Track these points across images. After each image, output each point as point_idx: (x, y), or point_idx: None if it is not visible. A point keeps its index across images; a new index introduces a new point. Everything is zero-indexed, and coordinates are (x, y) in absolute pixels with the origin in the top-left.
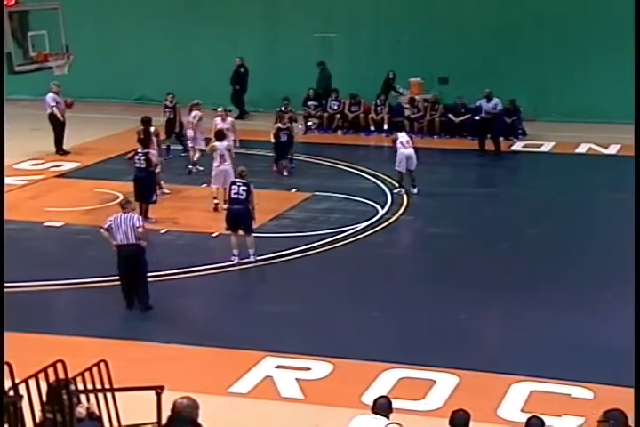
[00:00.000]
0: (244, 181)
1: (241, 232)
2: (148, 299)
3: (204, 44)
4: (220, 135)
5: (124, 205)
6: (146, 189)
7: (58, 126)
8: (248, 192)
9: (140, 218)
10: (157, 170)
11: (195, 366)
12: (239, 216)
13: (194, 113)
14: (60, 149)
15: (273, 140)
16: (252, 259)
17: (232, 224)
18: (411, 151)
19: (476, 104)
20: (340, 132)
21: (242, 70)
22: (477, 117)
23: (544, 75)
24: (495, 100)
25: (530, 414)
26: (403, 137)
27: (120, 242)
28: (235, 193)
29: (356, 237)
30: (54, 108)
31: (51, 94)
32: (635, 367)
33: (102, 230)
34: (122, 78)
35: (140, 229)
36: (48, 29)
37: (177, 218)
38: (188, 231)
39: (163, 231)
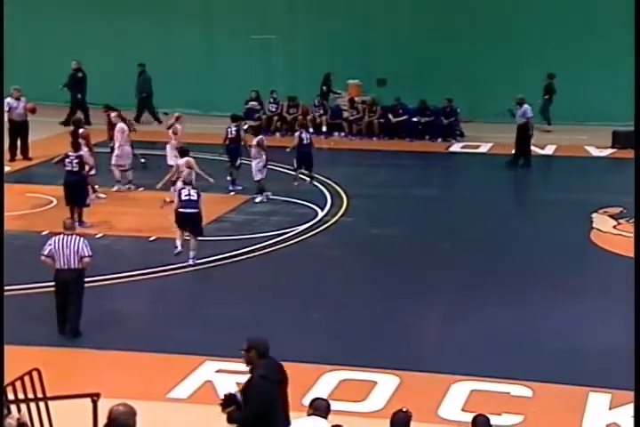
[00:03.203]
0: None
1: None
2: (78, 324)
3: (139, 46)
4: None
5: (68, 226)
6: (78, 192)
7: (12, 131)
8: (198, 195)
9: (87, 245)
10: (92, 172)
11: (132, 372)
12: (189, 218)
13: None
14: (13, 155)
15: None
16: (190, 262)
17: (182, 225)
18: None
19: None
20: (278, 134)
21: (79, 75)
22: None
23: (480, 76)
24: (524, 107)
25: (472, 414)
26: None
27: (60, 267)
28: (186, 195)
29: (296, 240)
30: (6, 113)
31: (8, 99)
32: (635, 367)
33: (44, 258)
34: (55, 80)
35: (86, 260)
36: None
37: (113, 222)
38: (124, 236)
39: (98, 236)
